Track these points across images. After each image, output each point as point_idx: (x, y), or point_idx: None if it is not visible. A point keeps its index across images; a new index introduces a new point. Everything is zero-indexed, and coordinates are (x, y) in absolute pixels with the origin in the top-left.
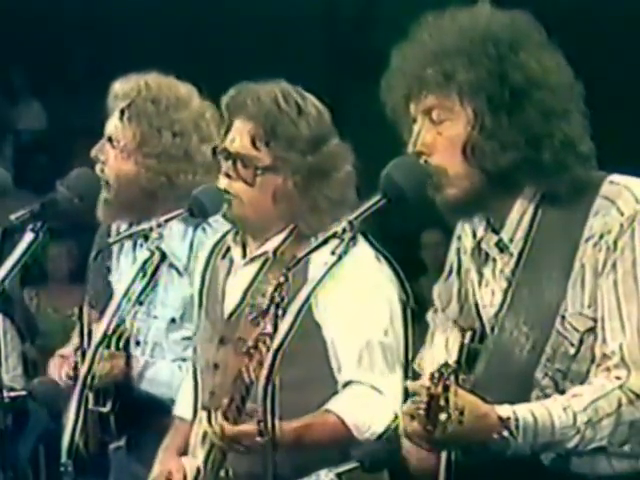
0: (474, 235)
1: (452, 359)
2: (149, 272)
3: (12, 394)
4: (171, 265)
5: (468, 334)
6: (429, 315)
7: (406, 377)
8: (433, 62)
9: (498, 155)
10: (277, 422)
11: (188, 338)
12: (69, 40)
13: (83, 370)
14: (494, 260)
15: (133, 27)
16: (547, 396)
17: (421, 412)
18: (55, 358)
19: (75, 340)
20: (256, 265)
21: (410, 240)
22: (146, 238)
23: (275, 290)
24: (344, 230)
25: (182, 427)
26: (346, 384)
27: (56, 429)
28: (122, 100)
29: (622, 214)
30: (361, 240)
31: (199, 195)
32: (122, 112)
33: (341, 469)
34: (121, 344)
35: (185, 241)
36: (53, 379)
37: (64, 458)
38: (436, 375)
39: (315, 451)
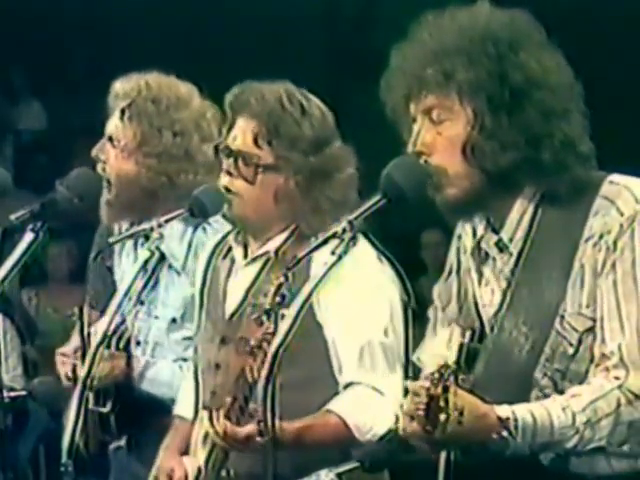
0: (474, 234)
1: (452, 359)
2: (150, 271)
3: (12, 394)
4: (170, 266)
5: (467, 333)
6: (430, 309)
7: (407, 377)
8: (433, 62)
9: (498, 155)
10: (279, 422)
11: (189, 338)
12: (69, 40)
13: (83, 370)
14: (494, 260)
15: (133, 27)
16: (546, 396)
17: (421, 412)
18: (58, 356)
19: (75, 340)
20: (258, 265)
21: (410, 240)
22: (147, 238)
23: (276, 290)
24: (344, 230)
25: (182, 427)
26: (347, 385)
27: (56, 429)
28: (123, 100)
29: (622, 214)
30: (363, 240)
31: (200, 195)
32: (122, 112)
33: (341, 469)
34: (122, 344)
35: (184, 241)
36: (53, 379)
37: (64, 458)
38: (436, 376)
39: (315, 451)
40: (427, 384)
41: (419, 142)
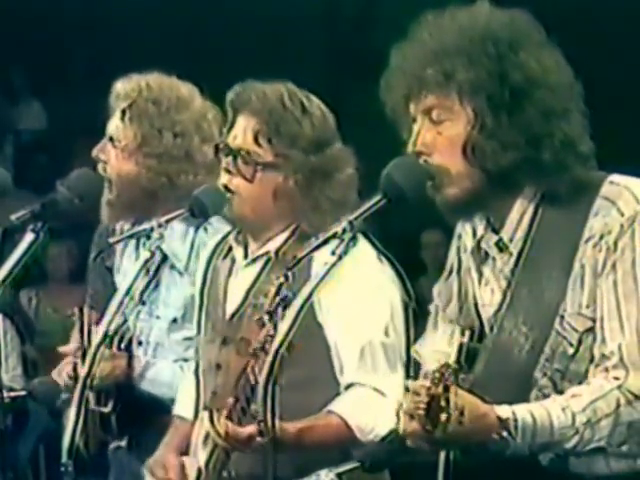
0: (474, 234)
1: (452, 359)
2: (151, 271)
3: (12, 394)
4: (172, 266)
5: (467, 333)
6: (432, 305)
7: (408, 377)
8: (433, 62)
9: (498, 155)
10: (280, 423)
11: (189, 338)
12: (69, 40)
13: (84, 370)
14: (494, 259)
15: (133, 27)
16: (546, 396)
17: (421, 412)
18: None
19: (75, 339)
20: (258, 265)
21: (410, 240)
22: (148, 238)
23: (277, 290)
24: (344, 230)
25: (182, 426)
26: (348, 386)
27: (56, 429)
28: (123, 100)
29: (622, 215)
30: (363, 240)
31: (200, 195)
32: (123, 112)
33: (342, 469)
34: (122, 344)
35: (186, 241)
36: (53, 379)
37: (64, 458)
38: (437, 375)
39: (316, 452)
40: (428, 383)
41: (419, 142)
